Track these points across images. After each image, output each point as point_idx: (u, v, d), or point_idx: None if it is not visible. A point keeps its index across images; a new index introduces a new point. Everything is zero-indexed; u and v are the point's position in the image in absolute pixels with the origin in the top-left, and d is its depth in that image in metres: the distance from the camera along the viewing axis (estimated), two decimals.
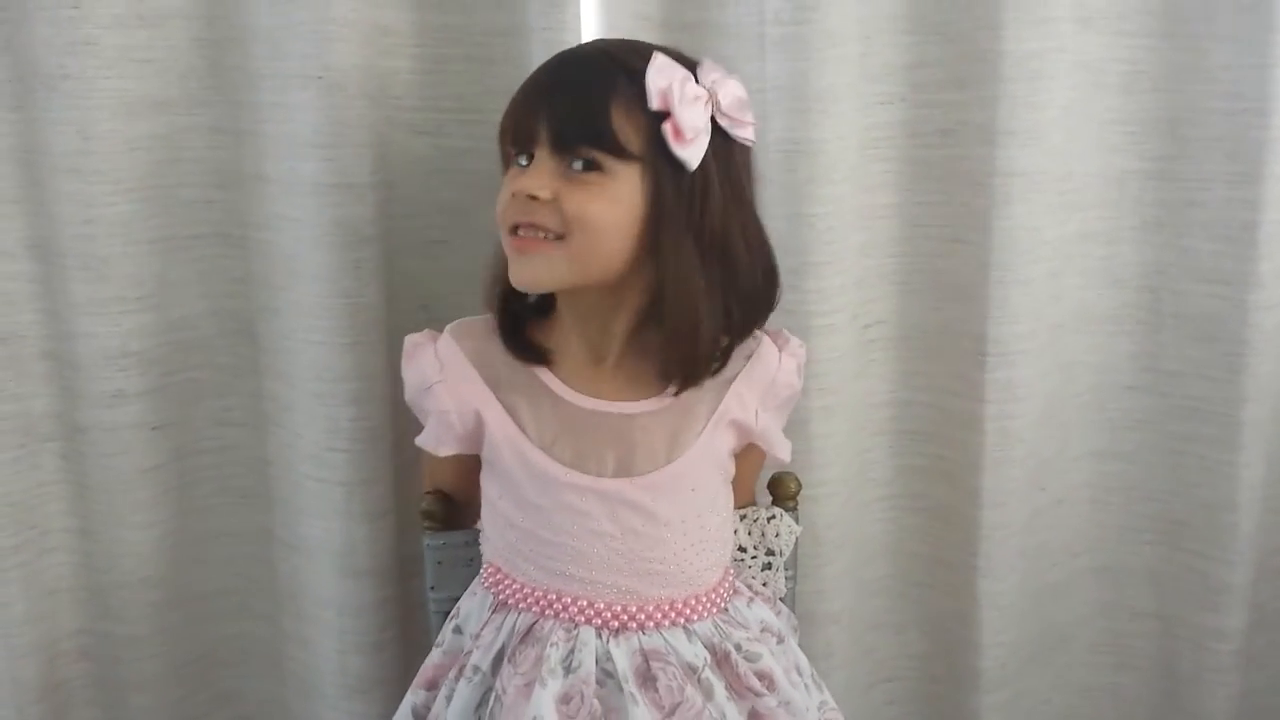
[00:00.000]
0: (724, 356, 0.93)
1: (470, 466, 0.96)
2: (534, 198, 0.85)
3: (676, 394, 0.92)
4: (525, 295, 0.92)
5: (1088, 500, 1.34)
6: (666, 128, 0.85)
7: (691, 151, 0.86)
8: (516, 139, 0.89)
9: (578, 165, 0.86)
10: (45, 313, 1.09)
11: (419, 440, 0.94)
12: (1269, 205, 1.22)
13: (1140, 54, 1.23)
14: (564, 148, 0.86)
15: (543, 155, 0.86)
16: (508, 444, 0.91)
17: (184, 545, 1.16)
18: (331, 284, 1.06)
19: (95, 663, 1.17)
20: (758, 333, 0.97)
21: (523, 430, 0.91)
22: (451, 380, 0.92)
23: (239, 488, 1.18)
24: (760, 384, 0.96)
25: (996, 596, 1.26)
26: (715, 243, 0.89)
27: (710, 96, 0.87)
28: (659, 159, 0.86)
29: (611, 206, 0.86)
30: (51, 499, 1.13)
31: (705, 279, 0.88)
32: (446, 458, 0.93)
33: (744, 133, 0.90)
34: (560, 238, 0.86)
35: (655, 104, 0.85)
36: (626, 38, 0.96)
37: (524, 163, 0.88)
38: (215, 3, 1.07)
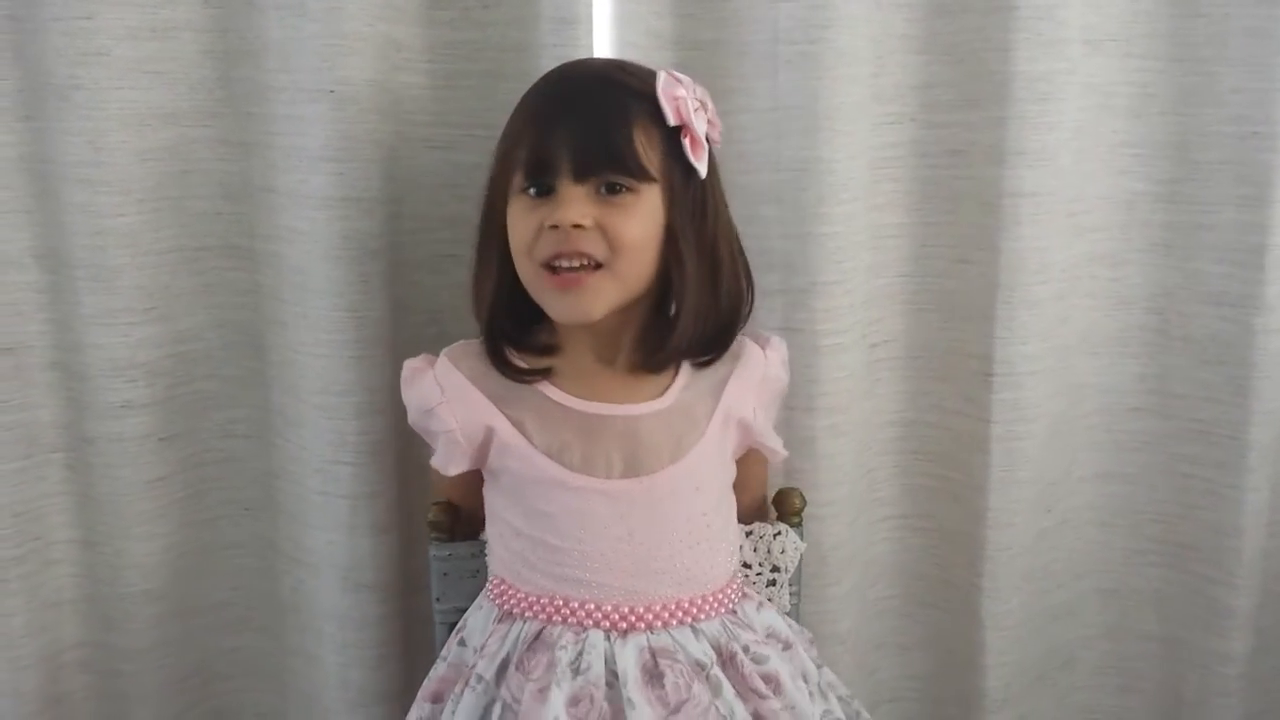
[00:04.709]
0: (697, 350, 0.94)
1: (474, 482, 0.97)
2: (578, 226, 0.86)
3: (642, 371, 0.93)
4: (511, 313, 0.93)
5: (1093, 522, 1.34)
6: (686, 141, 0.87)
7: (704, 160, 0.89)
8: (533, 171, 0.88)
9: (603, 190, 0.87)
10: (53, 323, 1.09)
11: (433, 462, 0.95)
12: (1277, 229, 1.22)
13: (1149, 77, 1.23)
14: (588, 175, 0.86)
15: (566, 184, 0.87)
16: (515, 455, 0.91)
17: (187, 557, 1.16)
18: (339, 297, 1.06)
19: (97, 675, 1.17)
20: (739, 336, 0.99)
21: (529, 440, 0.91)
22: (452, 401, 0.92)
23: (244, 500, 1.18)
24: (752, 382, 0.98)
25: (1001, 617, 1.25)
26: (708, 247, 0.91)
27: (703, 105, 0.90)
28: (674, 173, 0.89)
29: (646, 224, 0.88)
30: (56, 510, 1.13)
31: (699, 281, 0.91)
32: (452, 475, 0.94)
33: (717, 135, 0.93)
34: (599, 265, 0.87)
35: (673, 120, 0.87)
36: (600, 57, 0.94)
37: (534, 193, 0.88)
38: (227, 16, 1.07)
